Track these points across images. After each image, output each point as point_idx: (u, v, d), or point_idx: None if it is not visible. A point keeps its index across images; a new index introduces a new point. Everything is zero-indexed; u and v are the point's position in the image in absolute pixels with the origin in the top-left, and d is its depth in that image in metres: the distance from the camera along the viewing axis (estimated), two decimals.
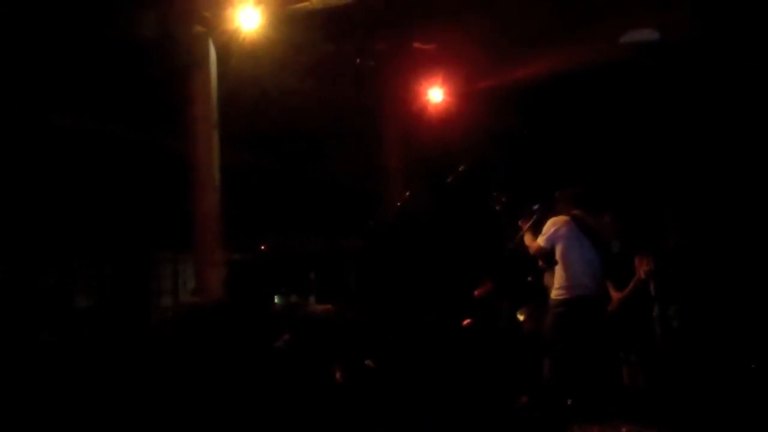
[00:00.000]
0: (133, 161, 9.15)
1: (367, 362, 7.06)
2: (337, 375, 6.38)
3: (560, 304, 6.53)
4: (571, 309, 6.47)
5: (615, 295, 7.05)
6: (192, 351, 5.97)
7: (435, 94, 9.28)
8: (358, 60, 8.70)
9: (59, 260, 9.34)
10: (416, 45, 8.77)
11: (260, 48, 7.48)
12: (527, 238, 6.94)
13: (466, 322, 7.72)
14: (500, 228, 7.62)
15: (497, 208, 7.50)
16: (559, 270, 6.61)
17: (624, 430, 5.50)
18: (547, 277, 7.03)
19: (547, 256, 6.74)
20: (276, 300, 9.06)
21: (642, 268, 6.79)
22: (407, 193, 8.43)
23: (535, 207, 7.13)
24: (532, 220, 7.02)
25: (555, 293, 6.60)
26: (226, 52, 7.48)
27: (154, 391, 5.95)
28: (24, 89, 7.94)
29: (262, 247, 10.53)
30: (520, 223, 7.15)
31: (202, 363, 6.04)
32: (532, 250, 6.86)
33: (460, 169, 7.99)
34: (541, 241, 6.74)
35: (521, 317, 7.67)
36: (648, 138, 9.49)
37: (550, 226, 6.73)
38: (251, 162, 10.14)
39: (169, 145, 8.54)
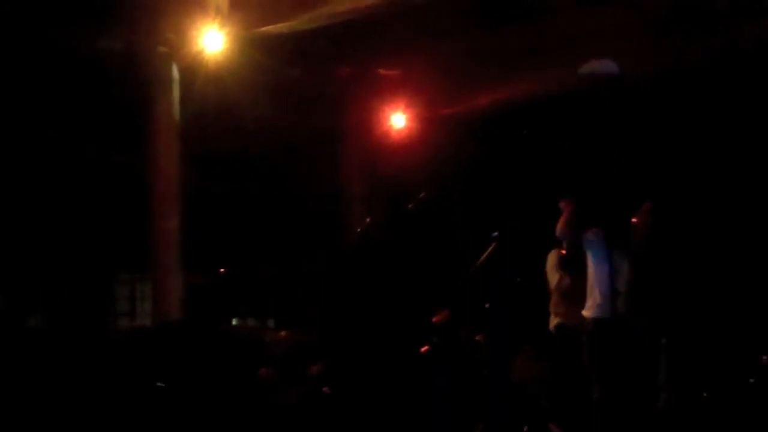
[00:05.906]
0: (93, 180, 9.05)
1: (325, 389, 7.04)
2: (294, 398, 6.36)
3: (588, 324, 6.21)
4: (597, 329, 6.17)
5: None
6: (150, 372, 5.92)
7: (397, 120, 9.34)
8: (322, 84, 8.75)
9: (12, 280, 9.18)
10: (380, 71, 8.84)
11: (224, 70, 7.49)
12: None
13: (423, 348, 7.72)
14: (459, 254, 7.64)
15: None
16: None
17: None
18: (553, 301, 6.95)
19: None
20: (234, 323, 9.00)
21: None
22: (367, 219, 8.44)
23: (494, 234, 7.12)
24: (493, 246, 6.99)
25: (585, 312, 6.31)
26: (190, 73, 7.48)
27: (108, 410, 5.88)
28: None
29: (221, 270, 10.44)
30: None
31: (160, 383, 5.99)
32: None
33: (420, 195, 8.02)
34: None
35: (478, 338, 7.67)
36: (605, 169, 9.61)
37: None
38: (212, 184, 10.08)
39: (130, 164, 8.47)
